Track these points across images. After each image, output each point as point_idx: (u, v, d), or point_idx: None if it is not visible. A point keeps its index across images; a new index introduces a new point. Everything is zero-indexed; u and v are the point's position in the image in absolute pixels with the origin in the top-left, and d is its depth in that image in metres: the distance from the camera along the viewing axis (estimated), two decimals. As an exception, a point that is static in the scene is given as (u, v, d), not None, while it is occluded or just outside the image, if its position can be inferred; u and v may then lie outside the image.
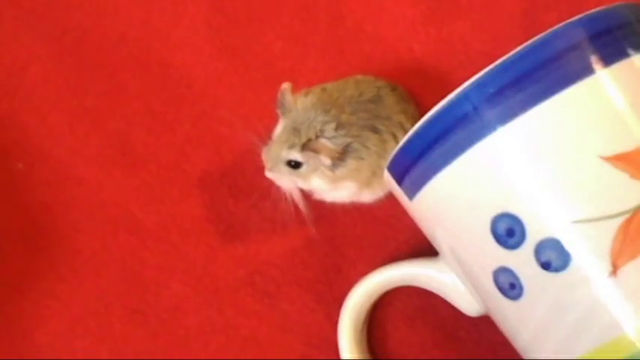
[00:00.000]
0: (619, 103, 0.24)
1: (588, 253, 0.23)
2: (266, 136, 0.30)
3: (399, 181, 0.26)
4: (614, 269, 0.23)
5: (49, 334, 0.31)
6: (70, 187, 0.33)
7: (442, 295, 0.28)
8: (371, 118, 0.30)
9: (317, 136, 0.29)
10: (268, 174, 0.30)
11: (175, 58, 0.34)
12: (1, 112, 0.34)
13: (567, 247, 0.23)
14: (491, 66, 0.24)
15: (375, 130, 0.29)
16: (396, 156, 0.26)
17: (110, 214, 0.33)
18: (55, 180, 0.33)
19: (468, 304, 0.28)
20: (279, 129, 0.30)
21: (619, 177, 0.23)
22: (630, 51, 0.24)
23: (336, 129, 0.29)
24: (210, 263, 0.32)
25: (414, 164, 0.25)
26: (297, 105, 0.29)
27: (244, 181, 0.32)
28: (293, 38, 0.34)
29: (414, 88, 0.32)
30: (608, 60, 0.24)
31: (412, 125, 0.28)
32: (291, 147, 0.29)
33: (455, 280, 0.27)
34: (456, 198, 0.25)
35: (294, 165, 0.29)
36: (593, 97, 0.23)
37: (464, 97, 0.24)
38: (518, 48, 0.24)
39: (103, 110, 0.34)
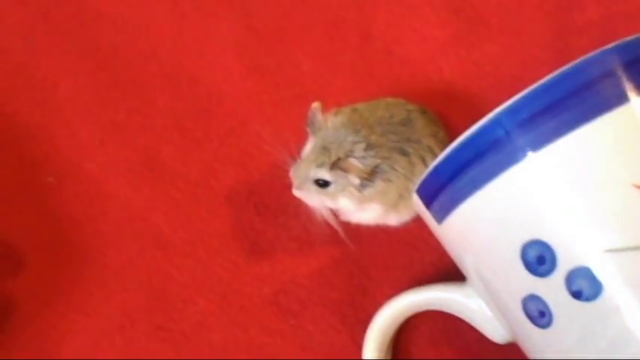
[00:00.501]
0: (654, 131, 0.23)
1: (621, 283, 0.23)
2: (295, 154, 0.30)
3: (428, 204, 0.26)
4: (649, 298, 0.22)
5: (75, 348, 0.31)
6: (99, 201, 0.33)
7: (468, 320, 0.28)
8: (400, 141, 0.29)
9: (346, 156, 0.28)
10: (296, 192, 0.30)
11: (205, 75, 0.34)
12: (32, 126, 0.34)
13: (599, 276, 0.23)
14: (524, 91, 0.23)
15: (404, 153, 0.29)
16: (426, 179, 0.26)
17: (138, 229, 0.33)
18: (84, 194, 0.33)
19: (495, 330, 0.27)
20: (308, 147, 0.30)
21: (652, 205, 0.23)
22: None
23: (366, 149, 0.29)
24: (236, 280, 0.32)
25: (444, 188, 0.25)
26: (327, 124, 0.29)
27: (271, 199, 0.32)
28: (322, 58, 0.34)
29: (444, 110, 0.32)
30: (642, 88, 0.23)
31: (441, 149, 0.28)
32: (320, 165, 0.29)
33: (482, 305, 0.27)
34: (485, 223, 0.25)
35: (323, 184, 0.29)
36: (627, 125, 0.23)
37: (496, 122, 0.24)
38: (552, 74, 0.23)
39: (133, 126, 0.34)
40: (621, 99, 0.23)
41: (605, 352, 0.23)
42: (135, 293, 0.32)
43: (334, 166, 0.29)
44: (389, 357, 0.30)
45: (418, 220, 0.28)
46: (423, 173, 0.27)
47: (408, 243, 0.31)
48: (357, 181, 0.29)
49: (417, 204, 0.27)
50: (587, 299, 0.23)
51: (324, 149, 0.29)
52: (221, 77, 0.34)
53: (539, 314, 0.24)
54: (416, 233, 0.31)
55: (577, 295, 0.23)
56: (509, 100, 0.24)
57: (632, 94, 0.23)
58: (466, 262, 0.26)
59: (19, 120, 0.34)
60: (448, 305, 0.28)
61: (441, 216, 0.26)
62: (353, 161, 0.29)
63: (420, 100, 0.33)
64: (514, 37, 0.33)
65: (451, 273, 0.28)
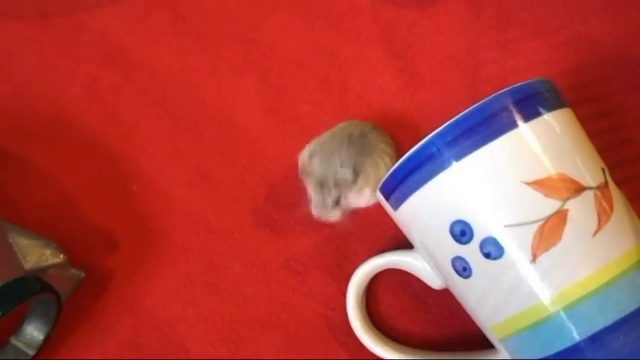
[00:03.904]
0: (535, 146, 0.23)
1: (516, 247, 0.23)
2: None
3: (387, 198, 0.26)
4: (534, 258, 0.22)
5: (153, 301, 0.31)
6: (168, 202, 0.33)
7: (416, 274, 0.28)
8: (363, 148, 0.29)
9: (339, 186, 0.27)
10: (324, 218, 0.28)
11: (237, 115, 0.34)
12: (122, 152, 0.34)
13: (501, 242, 0.23)
14: (448, 122, 0.24)
15: (368, 156, 0.29)
16: (385, 181, 0.26)
17: (194, 219, 0.32)
18: (158, 197, 0.33)
19: (434, 280, 0.27)
20: (311, 189, 0.28)
21: (535, 195, 0.23)
22: (542, 111, 0.24)
23: (342, 166, 0.28)
24: (260, 252, 0.32)
25: (397, 187, 0.25)
26: (312, 166, 0.28)
27: (284, 197, 0.32)
28: (315, 103, 0.34)
29: (396, 135, 0.32)
30: (527, 117, 0.23)
31: (391, 150, 0.28)
32: (329, 206, 0.28)
33: (425, 264, 0.27)
34: (426, 209, 0.25)
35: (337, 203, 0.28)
36: (517, 142, 0.23)
37: (430, 142, 0.24)
38: (467, 110, 0.23)
39: (189, 151, 0.34)
40: (513, 125, 0.23)
41: (507, 295, 0.23)
42: (193, 262, 0.32)
43: (337, 203, 0.28)
44: (364, 300, 0.30)
45: (381, 209, 0.28)
46: (383, 166, 0.27)
47: (375, 224, 0.31)
48: (355, 191, 0.28)
49: (380, 197, 0.27)
50: (494, 258, 0.23)
51: (323, 187, 0.27)
52: (247, 117, 0.34)
53: (462, 269, 0.24)
54: (380, 218, 0.31)
55: (487, 255, 0.23)
56: (439, 127, 0.24)
57: (520, 122, 0.23)
58: (413, 235, 0.26)
59: (113, 147, 0.34)
60: (402, 265, 0.28)
61: (396, 205, 0.26)
62: (347, 192, 0.28)
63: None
64: (441, 86, 0.33)
65: (404, 243, 0.28)
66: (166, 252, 0.32)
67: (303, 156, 0.29)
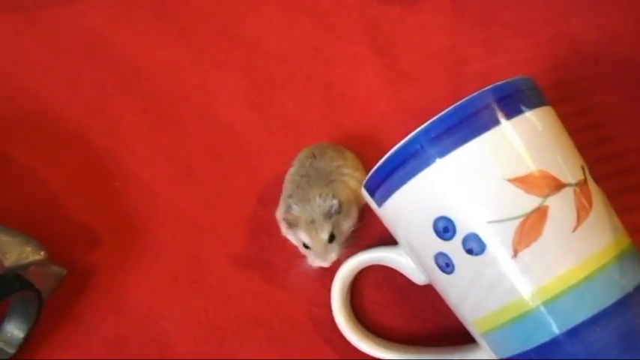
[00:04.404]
0: (516, 143, 0.23)
1: (497, 243, 0.23)
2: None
3: (372, 194, 0.26)
4: (515, 253, 0.23)
5: (136, 298, 0.31)
6: (152, 198, 0.33)
7: (400, 270, 0.28)
8: (328, 176, 0.28)
9: (329, 216, 0.27)
10: (327, 263, 0.28)
11: (222, 111, 0.34)
12: (105, 147, 0.33)
13: (483, 238, 0.23)
14: (432, 119, 0.24)
15: (334, 180, 0.28)
16: (370, 178, 0.26)
17: (178, 215, 0.32)
18: (141, 193, 0.33)
19: (417, 276, 0.28)
20: (303, 236, 0.28)
21: (517, 192, 0.23)
22: (524, 108, 0.24)
23: (322, 197, 0.27)
24: (245, 249, 0.32)
25: (382, 183, 0.25)
26: (294, 215, 0.27)
27: (268, 194, 0.32)
28: (300, 99, 0.34)
29: (380, 132, 0.32)
30: (509, 115, 0.24)
31: (351, 160, 0.28)
32: (326, 243, 0.27)
33: (409, 260, 0.27)
34: (409, 206, 0.25)
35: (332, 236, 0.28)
36: (500, 139, 0.23)
37: (414, 139, 0.24)
38: (450, 107, 0.24)
39: (173, 146, 0.33)
40: (495, 122, 0.23)
41: (488, 290, 0.24)
42: (177, 259, 0.32)
43: (332, 239, 0.28)
44: (348, 296, 0.30)
45: (365, 205, 0.28)
46: (351, 180, 0.28)
47: (358, 228, 0.31)
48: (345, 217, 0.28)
49: (365, 194, 0.27)
50: (476, 254, 0.23)
51: (314, 225, 0.27)
52: (233, 113, 0.34)
53: (445, 265, 0.24)
54: (364, 214, 0.31)
55: (470, 251, 0.23)
56: (423, 124, 0.24)
57: (502, 119, 0.23)
58: (398, 232, 0.26)
59: (96, 143, 0.34)
60: (386, 261, 0.28)
61: (380, 202, 0.26)
62: (339, 221, 0.28)
63: (365, 127, 0.33)
64: (425, 83, 0.33)
65: (389, 240, 0.28)
66: (150, 248, 0.32)
67: (282, 216, 0.28)
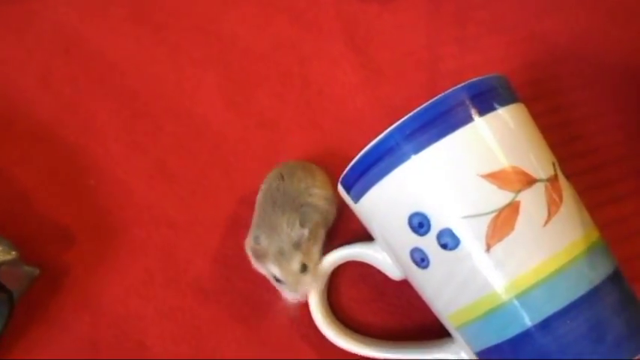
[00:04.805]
0: (489, 140, 0.24)
1: (471, 237, 0.23)
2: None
3: (348, 191, 0.26)
4: (488, 248, 0.23)
5: (111, 298, 0.31)
6: (126, 196, 0.32)
7: (376, 266, 0.28)
8: (293, 202, 0.27)
9: (298, 245, 0.26)
10: (304, 296, 0.27)
11: (198, 109, 0.34)
12: (78, 144, 0.33)
13: (457, 233, 0.23)
14: (407, 116, 0.24)
15: (301, 203, 0.28)
16: (346, 174, 0.26)
17: (154, 214, 0.32)
18: (116, 191, 0.32)
19: (393, 271, 0.28)
20: (273, 268, 0.27)
21: (490, 187, 0.23)
22: (496, 106, 0.24)
23: (290, 226, 0.26)
24: (222, 247, 0.31)
25: (358, 180, 0.25)
26: (262, 246, 0.27)
27: (244, 191, 0.32)
28: (276, 97, 0.34)
29: (355, 129, 0.32)
30: (482, 112, 0.24)
31: (320, 179, 0.28)
32: (297, 273, 0.26)
33: (385, 256, 0.28)
34: (385, 202, 0.25)
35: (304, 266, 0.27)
36: (473, 135, 0.24)
37: (389, 136, 0.24)
38: (424, 104, 0.24)
39: (149, 144, 0.33)
40: (468, 119, 0.24)
41: (463, 284, 0.24)
42: (153, 257, 0.31)
43: (304, 269, 0.27)
44: (325, 292, 0.30)
45: (341, 202, 0.28)
46: (320, 200, 0.28)
47: (337, 220, 0.31)
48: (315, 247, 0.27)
49: (341, 191, 0.27)
50: (451, 249, 0.24)
51: (283, 256, 0.26)
52: (209, 110, 0.34)
53: (420, 260, 0.25)
54: (340, 211, 0.31)
55: (444, 246, 0.24)
56: (398, 121, 0.24)
57: (475, 116, 0.24)
58: (374, 228, 0.27)
59: (69, 140, 0.33)
60: (363, 257, 0.29)
61: (356, 198, 0.26)
62: (309, 248, 0.27)
63: (340, 124, 0.33)
64: (401, 80, 0.34)
65: (365, 236, 0.29)
66: (125, 247, 0.31)
67: (250, 247, 0.27)
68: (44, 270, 0.30)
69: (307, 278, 0.27)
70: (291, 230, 0.26)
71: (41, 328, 0.30)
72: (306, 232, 0.26)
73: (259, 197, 0.29)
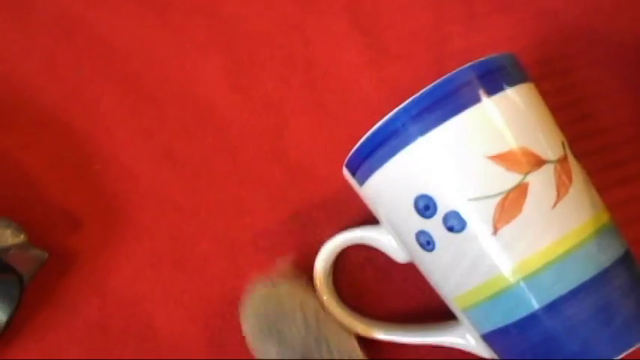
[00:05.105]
0: (498, 121, 0.23)
1: (478, 220, 0.23)
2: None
3: (353, 174, 0.26)
4: (495, 230, 0.23)
5: (119, 281, 0.31)
6: (132, 180, 0.32)
7: (382, 249, 0.28)
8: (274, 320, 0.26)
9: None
10: None
11: (202, 92, 0.33)
12: (84, 130, 0.33)
13: (464, 216, 0.23)
14: (413, 97, 0.24)
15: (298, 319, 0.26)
16: (351, 157, 0.26)
17: (159, 198, 0.32)
18: (121, 176, 0.32)
19: (399, 254, 0.28)
20: None
21: (497, 169, 0.23)
22: (505, 86, 0.24)
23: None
24: (227, 230, 0.31)
25: (363, 162, 0.25)
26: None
27: (250, 175, 0.32)
28: (280, 79, 0.33)
29: (361, 111, 0.32)
30: (490, 92, 0.23)
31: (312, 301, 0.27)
32: None
33: (390, 239, 0.27)
34: (391, 185, 0.25)
35: None
36: (480, 116, 0.23)
37: (395, 117, 0.24)
38: (431, 85, 0.23)
39: (154, 128, 0.33)
40: (476, 99, 0.23)
41: (469, 267, 0.24)
42: (159, 241, 0.31)
43: None
44: (330, 275, 0.30)
45: (347, 185, 0.28)
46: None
47: (341, 200, 0.31)
48: None
49: (346, 174, 0.27)
50: (457, 231, 0.23)
51: None
52: (213, 93, 0.33)
53: (426, 243, 0.25)
54: (346, 194, 0.30)
55: (450, 229, 0.24)
56: (404, 102, 0.24)
57: (483, 96, 0.23)
58: (379, 211, 0.27)
59: (74, 125, 0.33)
60: (368, 240, 0.28)
61: (361, 181, 0.26)
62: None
63: (345, 104, 0.32)
64: (407, 61, 0.33)
65: (371, 220, 0.28)
66: (131, 231, 0.31)
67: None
68: (52, 254, 0.30)
69: None
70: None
71: (51, 312, 0.30)
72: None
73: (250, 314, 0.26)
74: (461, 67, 0.24)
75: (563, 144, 0.25)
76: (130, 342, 0.30)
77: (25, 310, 0.29)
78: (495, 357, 0.26)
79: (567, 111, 0.31)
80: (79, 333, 0.30)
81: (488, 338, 0.25)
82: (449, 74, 0.23)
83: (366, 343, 0.29)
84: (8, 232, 0.28)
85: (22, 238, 0.29)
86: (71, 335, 0.30)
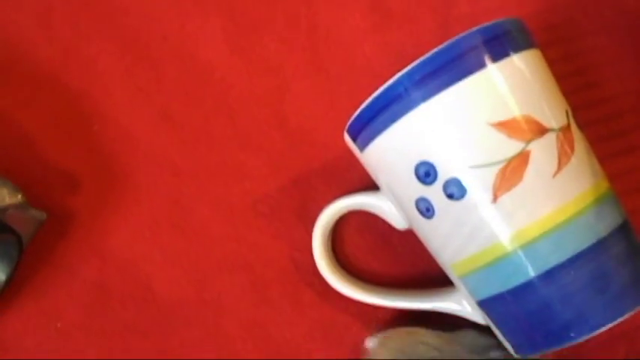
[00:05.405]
0: (502, 87, 0.23)
1: (478, 188, 0.23)
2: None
3: (354, 139, 0.26)
4: (495, 198, 0.23)
5: (117, 243, 0.31)
6: (130, 142, 0.32)
7: (381, 216, 0.28)
8: None
9: None
10: None
11: (202, 53, 0.33)
12: (81, 89, 0.32)
13: (464, 183, 0.23)
14: (417, 61, 0.23)
15: None
16: (352, 122, 0.26)
17: (158, 161, 0.32)
18: (120, 137, 0.32)
19: (398, 221, 0.28)
20: None
21: (499, 137, 0.23)
22: (510, 51, 0.24)
23: None
24: (227, 194, 0.31)
25: (364, 127, 0.25)
26: None
27: (249, 139, 0.32)
28: (282, 41, 0.33)
29: (364, 76, 0.32)
30: (495, 58, 0.23)
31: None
32: None
33: (390, 205, 0.27)
34: (392, 151, 0.25)
35: None
36: (484, 83, 0.23)
37: (398, 82, 0.23)
38: (435, 49, 0.23)
39: (152, 89, 0.32)
40: (481, 65, 0.23)
41: (467, 235, 0.24)
42: (158, 204, 0.31)
43: None
44: (329, 241, 0.30)
45: (348, 151, 0.28)
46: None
47: (342, 166, 0.31)
48: None
49: (347, 139, 0.27)
50: (457, 199, 0.23)
51: None
52: (213, 55, 0.33)
53: (426, 210, 0.25)
54: (346, 160, 0.30)
55: (450, 196, 0.24)
56: (407, 67, 0.23)
57: (488, 62, 0.23)
58: (379, 177, 0.27)
59: (71, 86, 0.32)
60: (368, 206, 0.28)
61: (362, 147, 0.26)
62: None
63: (348, 68, 0.32)
64: (412, 26, 0.32)
65: (371, 186, 0.28)
66: (130, 193, 0.31)
67: None
68: (50, 215, 0.30)
69: None
70: None
71: (49, 272, 0.31)
72: None
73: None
74: (466, 32, 0.23)
75: (567, 112, 0.24)
76: (129, 303, 0.30)
77: (24, 270, 0.30)
78: (491, 324, 0.26)
79: (572, 79, 0.31)
80: (78, 293, 0.30)
81: (484, 305, 0.25)
82: (453, 39, 0.23)
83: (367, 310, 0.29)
84: (5, 191, 0.28)
85: (19, 198, 0.29)
86: (70, 295, 0.30)
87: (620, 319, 0.23)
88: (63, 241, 0.31)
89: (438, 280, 0.29)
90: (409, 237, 0.28)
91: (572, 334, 0.23)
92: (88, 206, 0.31)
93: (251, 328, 0.30)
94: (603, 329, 0.23)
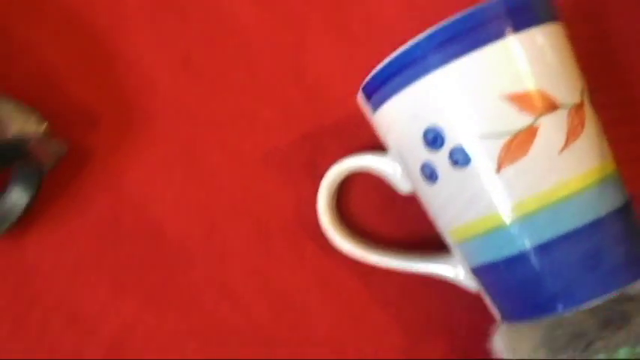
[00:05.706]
0: (519, 60, 0.23)
1: (483, 157, 0.23)
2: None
3: (368, 99, 0.26)
4: (498, 169, 0.23)
5: (134, 178, 0.32)
6: (151, 85, 0.32)
7: (386, 178, 0.29)
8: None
9: None
10: None
11: (226, 2, 0.33)
12: (105, 30, 0.33)
13: (469, 152, 0.23)
14: (437, 26, 0.23)
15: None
16: (368, 82, 0.26)
17: (175, 106, 0.32)
18: (141, 79, 0.32)
19: (404, 185, 0.28)
20: None
21: (510, 109, 0.23)
22: (533, 23, 0.23)
23: None
24: (239, 144, 0.32)
25: (379, 88, 0.25)
26: None
27: (267, 91, 0.32)
28: (308, -4, 0.33)
29: (385, 36, 0.31)
30: (516, 28, 0.23)
31: None
32: None
33: (396, 168, 0.28)
34: (403, 114, 0.25)
35: None
36: (503, 53, 0.23)
37: (417, 45, 0.24)
38: (455, 15, 0.23)
39: (174, 36, 0.33)
40: (501, 35, 0.23)
41: (468, 202, 0.24)
42: (172, 147, 0.32)
43: None
44: (334, 198, 0.31)
45: (359, 112, 0.28)
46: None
47: (353, 125, 0.31)
48: None
49: (361, 98, 0.27)
50: (461, 166, 0.24)
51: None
52: (237, 5, 0.33)
53: (430, 175, 0.25)
54: (358, 120, 0.30)
55: (455, 162, 0.24)
56: (426, 31, 0.23)
57: (508, 33, 0.23)
58: (389, 139, 0.27)
59: (97, 23, 0.33)
60: (375, 168, 0.29)
61: (375, 107, 0.26)
62: None
63: (369, 27, 0.32)
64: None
65: (379, 147, 0.29)
66: (146, 134, 0.32)
67: None
68: (70, 149, 0.31)
69: None
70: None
71: (66, 202, 0.32)
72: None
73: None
74: (488, 1, 0.23)
75: (582, 91, 0.24)
76: (139, 239, 0.32)
77: (40, 203, 0.31)
78: (482, 290, 0.27)
79: (595, 58, 0.30)
80: (91, 225, 0.32)
81: (477, 272, 0.26)
82: (477, 6, 0.23)
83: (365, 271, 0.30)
84: (32, 118, 0.29)
85: (44, 126, 0.29)
86: (83, 227, 0.32)
87: (607, 296, 0.23)
88: (79, 176, 0.32)
89: (435, 247, 0.29)
90: (412, 202, 0.29)
91: (558, 306, 0.23)
92: (105, 143, 0.32)
93: (251, 274, 0.32)
94: (590, 304, 0.23)
